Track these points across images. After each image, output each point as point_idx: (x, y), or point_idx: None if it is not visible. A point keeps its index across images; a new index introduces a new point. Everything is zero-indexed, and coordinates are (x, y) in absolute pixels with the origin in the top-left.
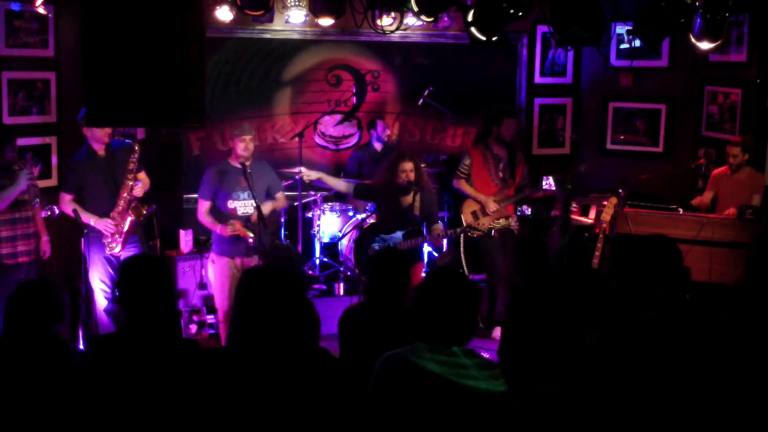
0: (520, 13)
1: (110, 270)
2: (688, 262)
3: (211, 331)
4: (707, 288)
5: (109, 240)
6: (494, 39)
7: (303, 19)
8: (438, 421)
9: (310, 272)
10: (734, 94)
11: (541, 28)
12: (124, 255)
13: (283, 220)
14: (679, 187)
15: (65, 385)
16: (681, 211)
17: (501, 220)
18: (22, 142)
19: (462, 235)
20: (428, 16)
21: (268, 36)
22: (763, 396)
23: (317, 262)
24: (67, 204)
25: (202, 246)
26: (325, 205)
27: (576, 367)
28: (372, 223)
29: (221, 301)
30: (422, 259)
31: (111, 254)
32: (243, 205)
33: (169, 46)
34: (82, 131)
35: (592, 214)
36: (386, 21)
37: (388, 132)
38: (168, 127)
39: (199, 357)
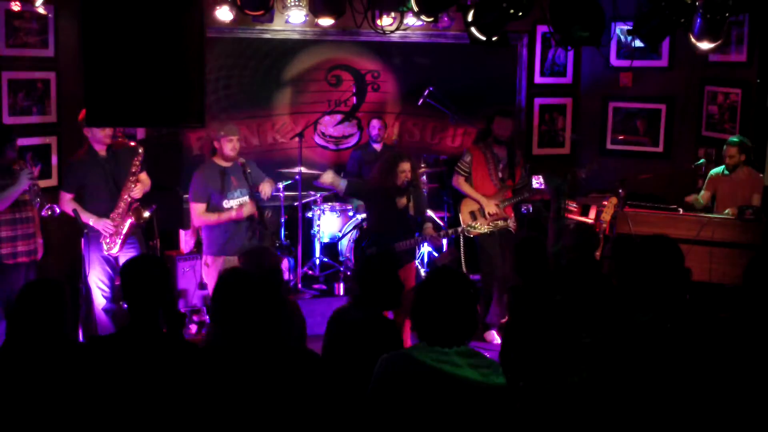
0: (520, 13)
1: (108, 270)
2: (688, 262)
3: None
4: (707, 288)
5: (108, 240)
6: (494, 39)
7: (303, 19)
8: (438, 414)
9: (311, 272)
10: (734, 94)
11: (541, 28)
12: (122, 256)
13: (283, 220)
14: (679, 187)
15: (70, 385)
16: (681, 211)
17: (499, 222)
18: (22, 142)
19: (462, 235)
20: (428, 16)
21: (268, 36)
22: (763, 396)
23: (317, 262)
24: (67, 203)
25: (202, 246)
26: (325, 205)
27: (577, 366)
28: (366, 226)
29: None
30: (415, 259)
31: (109, 254)
32: (238, 203)
33: (169, 46)
34: (82, 132)
35: (592, 214)
36: (386, 21)
37: (382, 131)
38: (168, 127)
39: (197, 359)
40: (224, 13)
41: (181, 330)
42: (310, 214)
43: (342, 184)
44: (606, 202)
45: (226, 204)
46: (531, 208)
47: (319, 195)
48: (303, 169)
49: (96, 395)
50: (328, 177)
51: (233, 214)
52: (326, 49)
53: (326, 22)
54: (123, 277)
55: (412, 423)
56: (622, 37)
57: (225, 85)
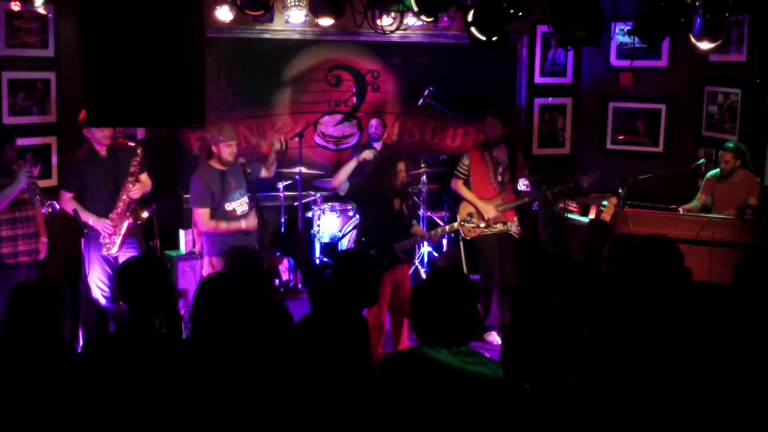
0: (520, 13)
1: (108, 269)
2: (688, 262)
3: None
4: (707, 288)
5: (107, 241)
6: (494, 39)
7: (303, 19)
8: (447, 409)
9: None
10: (734, 94)
11: (541, 28)
12: (122, 256)
13: (283, 220)
14: (679, 187)
15: (66, 385)
16: (681, 210)
17: (498, 225)
18: (22, 142)
19: (460, 233)
20: (428, 16)
21: (268, 36)
22: (763, 396)
23: (317, 262)
24: (67, 202)
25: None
26: (325, 205)
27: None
28: (366, 228)
29: None
30: (413, 259)
31: (109, 254)
32: (240, 204)
33: (169, 46)
34: (83, 132)
35: (592, 214)
36: (386, 21)
37: (380, 129)
38: (168, 127)
39: (194, 357)
40: (224, 13)
41: (180, 329)
42: (310, 214)
43: (345, 185)
44: (606, 202)
45: (227, 206)
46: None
47: (319, 195)
48: (303, 169)
49: (93, 395)
50: (368, 153)
51: (242, 226)
52: (326, 49)
53: (326, 22)
54: (118, 278)
55: (420, 420)
56: (622, 38)
57: (225, 85)
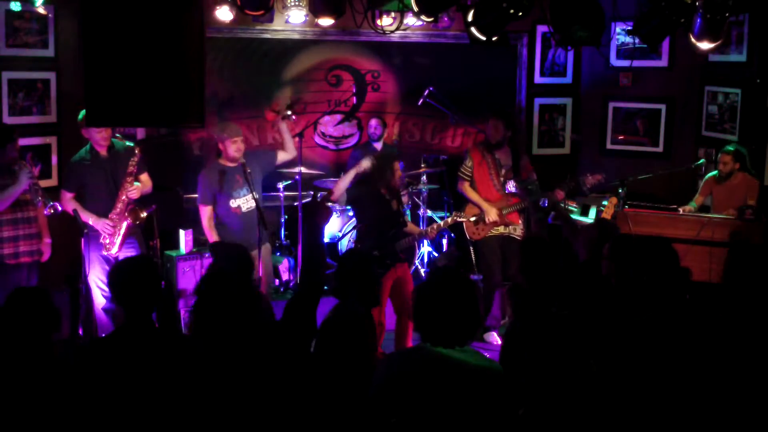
0: (520, 13)
1: (108, 269)
2: (688, 262)
3: None
4: (707, 288)
5: (107, 241)
6: (494, 39)
7: (303, 19)
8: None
9: None
10: (734, 94)
11: (541, 28)
12: (121, 256)
13: (283, 220)
14: (679, 187)
15: (57, 392)
16: (681, 210)
17: (500, 227)
18: (22, 142)
19: (468, 238)
20: (428, 16)
21: (268, 36)
22: (763, 396)
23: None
24: (68, 202)
25: (202, 246)
26: None
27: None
28: (365, 228)
29: None
30: (413, 258)
31: (108, 254)
32: (245, 201)
33: (169, 46)
34: (81, 132)
35: (592, 214)
36: (386, 21)
37: (379, 129)
38: (168, 127)
39: (194, 354)
40: (224, 13)
41: (177, 327)
42: None
43: (344, 198)
44: (606, 202)
45: (232, 203)
46: (546, 202)
47: (319, 195)
48: (303, 169)
49: (90, 400)
50: (366, 163)
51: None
52: (326, 49)
53: (326, 22)
54: (110, 282)
55: (423, 413)
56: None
57: (225, 86)
